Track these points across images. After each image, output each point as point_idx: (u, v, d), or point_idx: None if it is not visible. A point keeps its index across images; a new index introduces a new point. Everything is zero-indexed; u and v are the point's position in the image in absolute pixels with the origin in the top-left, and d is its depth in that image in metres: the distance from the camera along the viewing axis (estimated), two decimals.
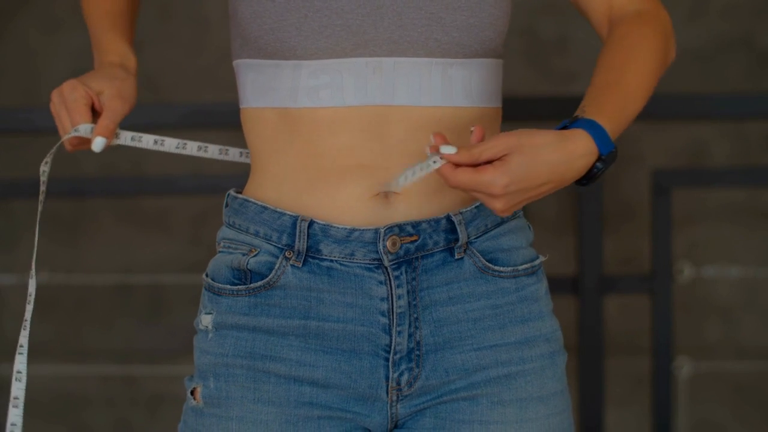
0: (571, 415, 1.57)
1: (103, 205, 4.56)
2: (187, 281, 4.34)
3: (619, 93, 1.46)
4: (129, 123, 3.00)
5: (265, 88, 1.48)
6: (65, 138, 1.57)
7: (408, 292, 1.47)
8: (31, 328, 1.52)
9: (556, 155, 1.38)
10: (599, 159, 1.41)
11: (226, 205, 1.55)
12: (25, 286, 1.55)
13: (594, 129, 1.40)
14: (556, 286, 2.84)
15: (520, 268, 1.52)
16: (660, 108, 2.92)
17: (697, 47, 4.37)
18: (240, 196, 1.52)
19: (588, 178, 1.43)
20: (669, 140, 4.39)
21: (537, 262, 1.56)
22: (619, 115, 1.44)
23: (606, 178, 3.24)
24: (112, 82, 1.59)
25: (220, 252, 1.53)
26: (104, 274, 4.54)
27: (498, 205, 1.38)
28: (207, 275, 1.53)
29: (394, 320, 1.46)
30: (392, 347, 1.47)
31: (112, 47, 1.66)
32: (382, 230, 1.44)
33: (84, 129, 1.55)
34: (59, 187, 3.19)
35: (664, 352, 2.88)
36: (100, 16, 1.68)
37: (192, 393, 1.52)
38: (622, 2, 1.55)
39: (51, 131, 3.17)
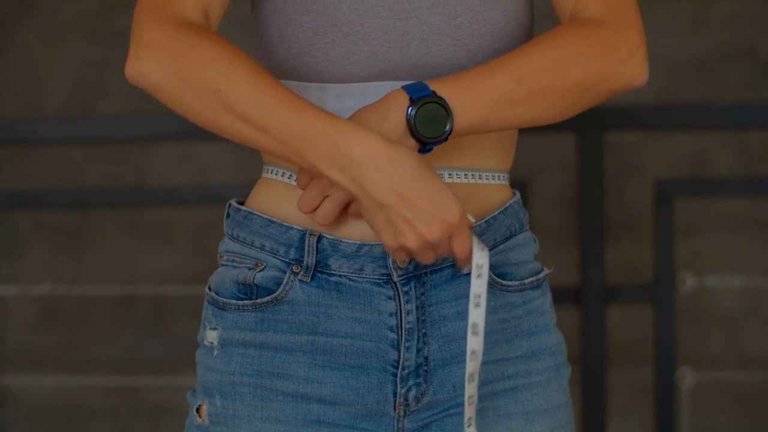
0: (573, 427, 1.56)
1: (105, 216, 4.56)
2: (190, 292, 4.34)
3: (479, 68, 1.38)
4: (132, 134, 3.00)
5: None
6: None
7: (417, 307, 1.45)
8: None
9: (362, 111, 1.36)
10: (411, 103, 1.34)
11: (228, 216, 1.52)
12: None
13: (410, 84, 1.36)
14: (559, 296, 2.83)
15: (526, 281, 1.52)
16: (662, 118, 2.92)
17: (699, 57, 4.37)
18: (243, 207, 1.50)
19: (418, 126, 1.34)
20: (671, 150, 4.39)
21: (542, 275, 1.55)
22: (460, 79, 1.36)
23: (608, 188, 3.24)
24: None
25: (223, 265, 1.51)
26: (107, 285, 4.55)
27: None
28: (210, 289, 1.51)
29: (403, 336, 1.45)
30: (400, 363, 1.45)
31: (346, 127, 1.32)
32: None
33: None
34: (62, 199, 3.19)
35: (666, 361, 2.88)
36: (284, 98, 1.33)
37: (197, 410, 1.49)
38: (583, 8, 1.45)
39: (53, 142, 3.19)
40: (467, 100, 1.36)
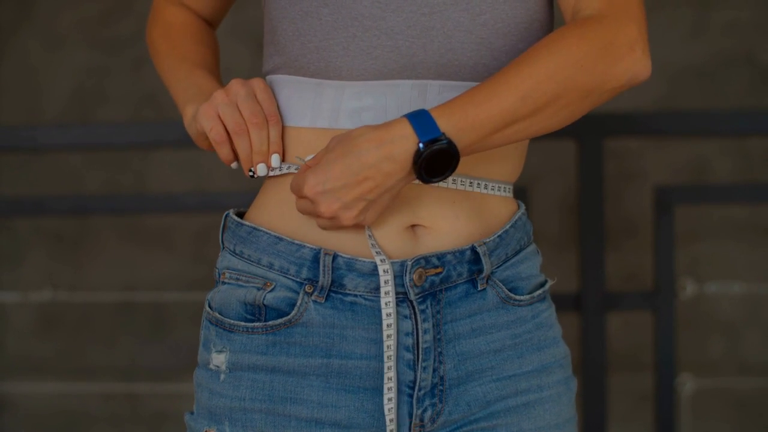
0: None
1: (105, 223, 4.56)
2: (190, 299, 4.34)
3: (483, 87, 1.33)
4: (132, 141, 3.02)
5: (303, 107, 1.43)
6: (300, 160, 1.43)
7: (433, 326, 1.42)
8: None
9: (366, 144, 1.31)
10: (420, 145, 1.31)
11: (225, 228, 1.49)
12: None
13: (417, 116, 1.31)
14: (559, 303, 2.82)
15: (535, 294, 1.50)
16: (662, 124, 2.92)
17: (699, 64, 4.37)
18: (246, 222, 1.45)
19: (425, 170, 1.32)
20: (671, 157, 4.39)
21: (547, 286, 1.54)
22: (466, 106, 1.32)
23: (608, 195, 3.24)
24: None
25: (225, 283, 1.46)
26: (107, 291, 4.54)
27: (321, 209, 1.33)
28: (212, 308, 1.46)
29: (420, 355, 1.42)
30: (416, 383, 1.42)
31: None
32: (410, 263, 1.40)
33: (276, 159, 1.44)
34: (62, 205, 3.19)
35: (667, 368, 2.88)
36: (189, 69, 1.57)
37: None
38: (583, 6, 1.41)
39: (53, 149, 3.19)
40: (473, 130, 1.32)
